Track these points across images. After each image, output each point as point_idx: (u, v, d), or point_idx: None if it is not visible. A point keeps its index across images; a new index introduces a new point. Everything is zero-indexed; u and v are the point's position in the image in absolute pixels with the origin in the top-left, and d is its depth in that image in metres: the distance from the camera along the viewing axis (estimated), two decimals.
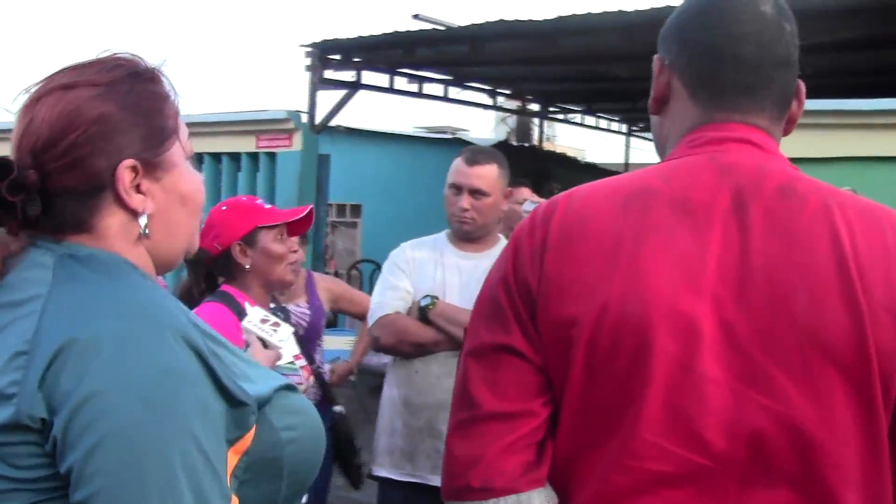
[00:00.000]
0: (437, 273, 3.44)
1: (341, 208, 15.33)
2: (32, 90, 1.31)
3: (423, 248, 3.55)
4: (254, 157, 9.11)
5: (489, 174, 3.42)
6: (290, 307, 4.05)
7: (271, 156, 8.99)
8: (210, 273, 2.99)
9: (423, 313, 3.35)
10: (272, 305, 2.69)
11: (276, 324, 2.51)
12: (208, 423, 1.19)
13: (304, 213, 2.98)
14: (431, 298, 3.35)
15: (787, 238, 1.38)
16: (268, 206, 2.99)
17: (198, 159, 9.14)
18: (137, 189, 1.31)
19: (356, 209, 15.37)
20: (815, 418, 1.34)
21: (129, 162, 1.29)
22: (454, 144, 15.10)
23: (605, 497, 1.41)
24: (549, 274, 1.44)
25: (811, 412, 1.34)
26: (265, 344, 2.48)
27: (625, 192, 1.46)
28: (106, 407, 1.12)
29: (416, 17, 10.32)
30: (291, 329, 2.56)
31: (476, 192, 3.40)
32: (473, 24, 8.62)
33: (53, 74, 1.33)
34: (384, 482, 3.50)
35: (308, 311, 4.20)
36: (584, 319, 1.39)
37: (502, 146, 14.14)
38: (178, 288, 3.13)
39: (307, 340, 4.08)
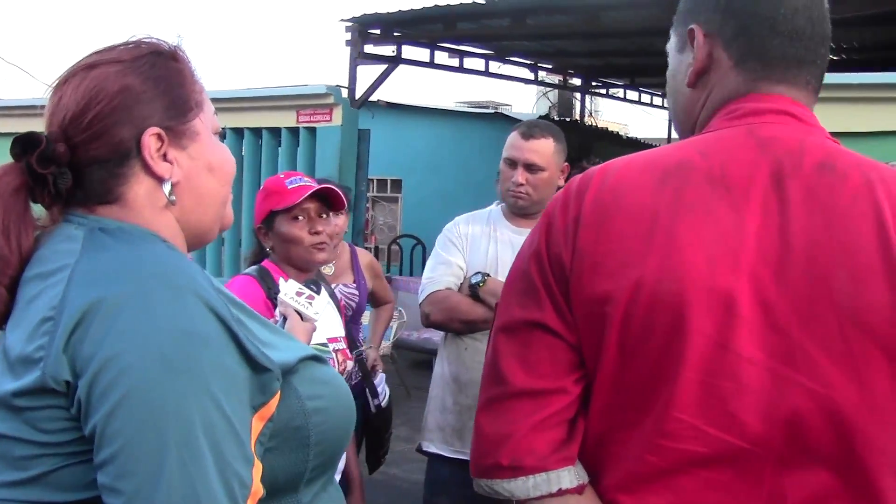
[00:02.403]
0: (491, 248, 3.41)
1: (382, 183, 15.37)
2: (63, 74, 1.37)
3: (477, 223, 3.52)
4: (294, 132, 9.09)
5: (545, 148, 3.37)
6: (340, 287, 4.05)
7: (311, 131, 8.96)
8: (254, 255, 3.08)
9: (473, 290, 3.33)
10: (306, 279, 2.71)
11: (310, 296, 2.55)
12: (229, 385, 1.20)
13: (315, 190, 2.90)
14: (482, 276, 3.32)
15: (827, 215, 1.35)
16: (296, 184, 2.93)
17: (238, 134, 9.29)
18: (164, 157, 1.35)
19: (397, 184, 15.40)
20: (856, 400, 1.31)
21: (153, 129, 1.33)
22: (495, 119, 15.05)
23: (638, 477, 1.39)
24: (582, 250, 1.41)
25: (852, 394, 1.31)
26: (301, 316, 2.50)
27: (661, 167, 1.42)
28: (125, 367, 1.14)
29: None
30: (327, 300, 2.58)
31: (531, 167, 3.35)
32: None
33: (81, 58, 1.38)
34: (433, 458, 3.50)
35: (356, 292, 4.18)
36: (618, 296, 1.36)
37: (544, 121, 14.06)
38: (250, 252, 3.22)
39: (352, 321, 4.07)
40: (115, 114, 1.32)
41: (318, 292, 2.59)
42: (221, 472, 1.15)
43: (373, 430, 3.89)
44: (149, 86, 1.34)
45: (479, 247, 3.44)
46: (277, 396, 1.30)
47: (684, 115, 1.60)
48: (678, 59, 1.58)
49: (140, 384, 1.14)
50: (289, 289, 2.54)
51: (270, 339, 1.34)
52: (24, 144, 1.30)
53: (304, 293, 2.54)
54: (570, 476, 1.42)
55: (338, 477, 3.13)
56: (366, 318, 4.85)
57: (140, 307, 1.18)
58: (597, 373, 1.41)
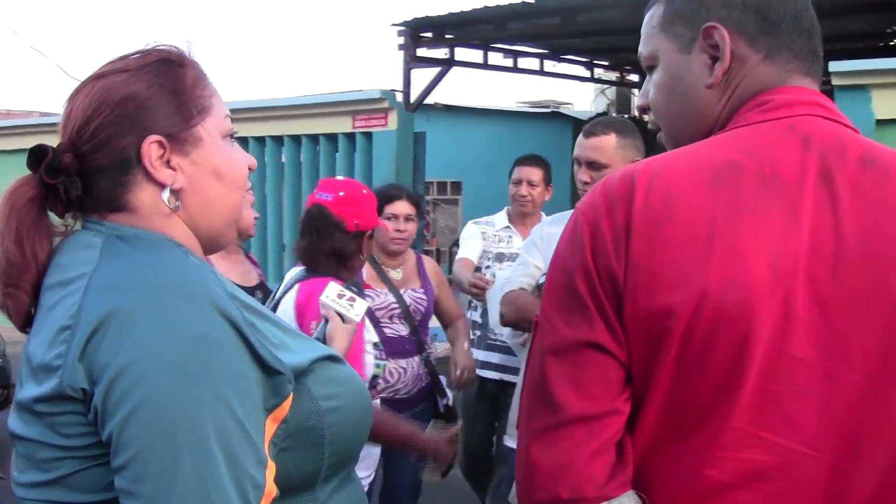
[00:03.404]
0: None
1: (441, 186, 15.39)
2: (77, 85, 1.41)
3: (560, 223, 3.50)
4: (350, 137, 9.17)
5: (605, 145, 3.32)
6: (408, 292, 4.11)
7: (367, 135, 9.03)
8: (336, 251, 3.09)
9: (541, 292, 3.34)
10: (347, 282, 2.78)
11: (351, 298, 2.59)
12: (242, 390, 1.24)
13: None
14: None
15: (878, 210, 1.31)
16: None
17: (296, 141, 9.36)
18: (168, 164, 1.37)
19: (456, 186, 15.40)
20: None
21: (153, 137, 1.35)
22: (553, 118, 15.01)
23: (692, 493, 1.32)
24: (636, 261, 1.31)
25: None
26: (343, 318, 2.53)
27: (709, 168, 1.35)
28: (140, 376, 1.18)
29: None
30: (367, 304, 2.62)
31: (593, 164, 3.32)
32: None
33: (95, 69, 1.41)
34: (510, 450, 3.67)
35: (424, 297, 4.21)
36: (680, 309, 1.28)
37: None
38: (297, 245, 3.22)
39: (421, 325, 4.13)
40: (117, 123, 1.34)
41: (359, 294, 2.63)
42: (234, 476, 1.19)
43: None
44: (152, 92, 1.36)
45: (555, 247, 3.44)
46: (290, 398, 1.33)
47: (699, 117, 1.52)
48: (683, 59, 1.52)
49: (154, 392, 1.17)
50: (330, 291, 2.59)
51: (284, 341, 1.37)
52: (35, 156, 1.34)
53: (345, 295, 2.58)
54: (630, 503, 1.34)
55: (369, 474, 3.21)
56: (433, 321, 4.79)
57: (154, 316, 1.21)
58: (648, 389, 1.34)
